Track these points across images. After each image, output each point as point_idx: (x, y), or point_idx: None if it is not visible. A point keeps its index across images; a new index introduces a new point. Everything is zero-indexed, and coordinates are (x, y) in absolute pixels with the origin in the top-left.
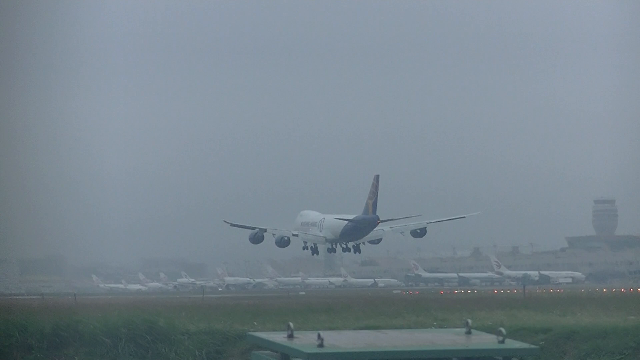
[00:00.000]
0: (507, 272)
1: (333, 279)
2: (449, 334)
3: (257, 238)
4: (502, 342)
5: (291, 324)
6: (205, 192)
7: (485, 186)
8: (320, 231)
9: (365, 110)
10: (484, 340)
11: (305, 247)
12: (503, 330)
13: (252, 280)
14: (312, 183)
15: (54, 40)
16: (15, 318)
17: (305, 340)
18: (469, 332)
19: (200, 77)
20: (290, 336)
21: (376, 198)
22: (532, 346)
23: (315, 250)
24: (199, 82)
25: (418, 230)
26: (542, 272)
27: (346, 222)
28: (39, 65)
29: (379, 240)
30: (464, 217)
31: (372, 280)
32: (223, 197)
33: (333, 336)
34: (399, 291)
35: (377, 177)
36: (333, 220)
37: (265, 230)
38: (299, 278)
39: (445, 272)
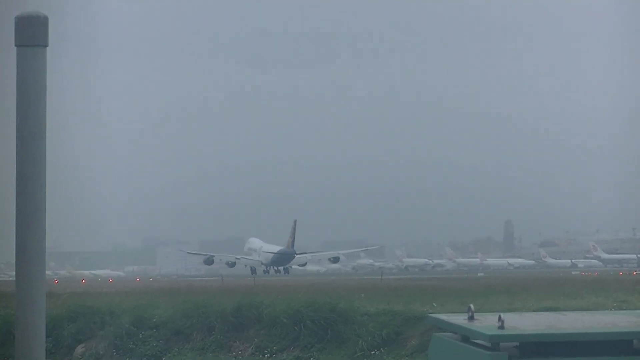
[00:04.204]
0: None
1: (512, 260)
2: (630, 316)
3: (208, 261)
4: None
5: (472, 306)
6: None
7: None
8: (259, 256)
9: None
10: None
11: (246, 267)
12: None
13: (430, 261)
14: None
15: (57, 29)
16: (196, 299)
17: (486, 322)
18: None
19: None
20: (471, 318)
21: (294, 238)
22: None
23: (254, 271)
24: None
25: (332, 258)
26: None
27: (272, 253)
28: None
29: (305, 264)
30: (367, 249)
31: (569, 261)
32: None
33: (514, 318)
34: (578, 272)
35: (295, 222)
36: (264, 252)
37: (214, 256)
38: (478, 259)
39: (625, 254)
